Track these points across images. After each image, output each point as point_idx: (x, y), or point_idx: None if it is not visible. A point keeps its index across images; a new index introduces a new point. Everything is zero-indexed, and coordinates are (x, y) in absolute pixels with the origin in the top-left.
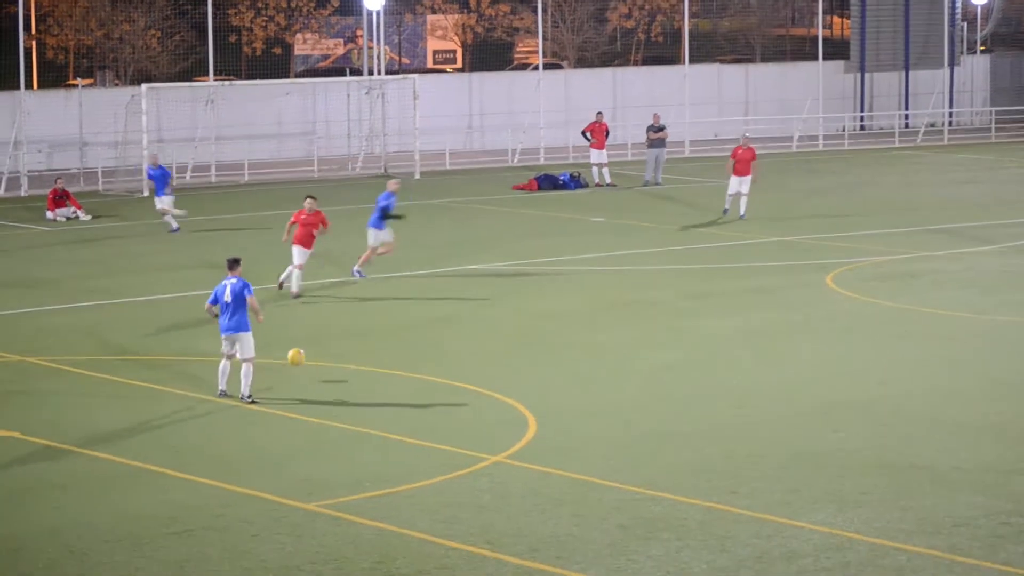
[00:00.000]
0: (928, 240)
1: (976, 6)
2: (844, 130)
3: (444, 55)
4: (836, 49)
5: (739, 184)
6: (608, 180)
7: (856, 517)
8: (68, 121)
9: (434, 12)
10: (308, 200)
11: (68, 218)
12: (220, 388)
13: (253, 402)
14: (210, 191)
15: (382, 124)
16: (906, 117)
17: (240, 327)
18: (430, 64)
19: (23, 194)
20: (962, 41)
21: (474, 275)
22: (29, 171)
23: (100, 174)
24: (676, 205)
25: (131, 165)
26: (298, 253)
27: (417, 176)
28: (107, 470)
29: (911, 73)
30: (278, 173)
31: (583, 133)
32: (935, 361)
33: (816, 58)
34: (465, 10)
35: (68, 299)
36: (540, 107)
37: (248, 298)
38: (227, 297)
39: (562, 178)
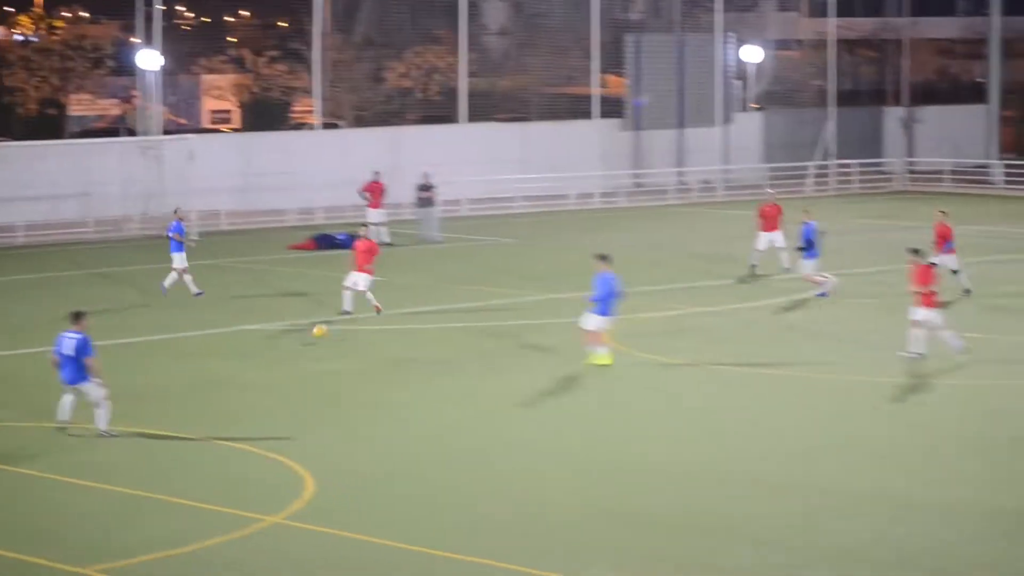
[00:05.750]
0: (703, 295)
1: (749, 65)
2: (620, 188)
3: (221, 115)
4: (612, 107)
5: (770, 240)
6: (386, 239)
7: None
8: None
9: (210, 72)
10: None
11: None
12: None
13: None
14: None
15: (159, 184)
16: (681, 174)
17: (76, 380)
18: (207, 124)
19: None
20: (736, 100)
21: (250, 335)
22: None
23: None
24: (451, 262)
25: None
26: None
27: (195, 236)
28: None
29: (685, 131)
30: (53, 235)
31: (360, 192)
32: (678, 413)
33: (592, 116)
34: (241, 70)
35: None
36: (317, 167)
37: (86, 359)
38: (66, 351)
39: (340, 237)
